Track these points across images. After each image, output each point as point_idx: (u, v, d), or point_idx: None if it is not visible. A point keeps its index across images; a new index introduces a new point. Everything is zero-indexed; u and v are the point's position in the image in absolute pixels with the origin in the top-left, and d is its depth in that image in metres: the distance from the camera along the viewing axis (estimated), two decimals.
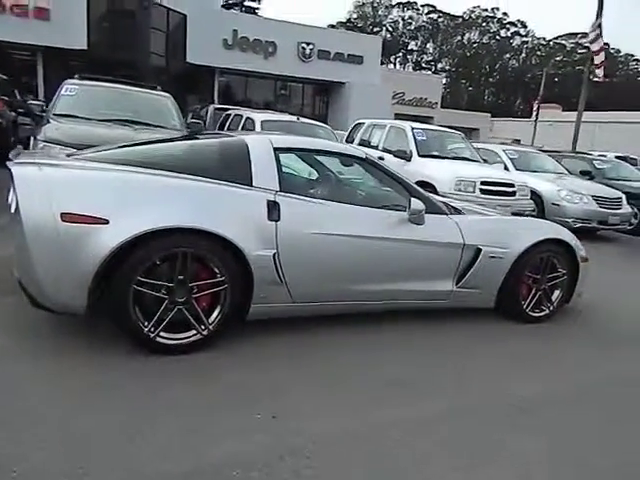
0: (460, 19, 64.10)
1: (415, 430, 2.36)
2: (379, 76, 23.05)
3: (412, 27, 63.90)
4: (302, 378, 2.74)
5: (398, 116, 21.97)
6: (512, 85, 64.08)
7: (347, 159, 3.57)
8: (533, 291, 3.90)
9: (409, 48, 64.60)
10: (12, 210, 2.67)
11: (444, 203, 3.89)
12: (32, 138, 6.65)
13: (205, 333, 2.85)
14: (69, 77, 6.68)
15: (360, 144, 8.70)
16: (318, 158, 3.78)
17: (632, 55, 67.90)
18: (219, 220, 2.80)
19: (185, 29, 18.98)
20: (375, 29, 60.60)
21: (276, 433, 2.23)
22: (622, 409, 2.81)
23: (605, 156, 16.10)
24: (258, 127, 7.51)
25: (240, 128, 8.04)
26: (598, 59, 15.09)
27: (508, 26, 64.92)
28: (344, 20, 61.72)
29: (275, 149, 3.19)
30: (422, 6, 63.24)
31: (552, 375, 3.12)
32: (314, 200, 3.18)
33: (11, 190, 2.78)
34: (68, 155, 3.38)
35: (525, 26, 64.89)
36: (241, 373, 2.71)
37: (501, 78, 64.61)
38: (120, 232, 2.57)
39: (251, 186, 3.02)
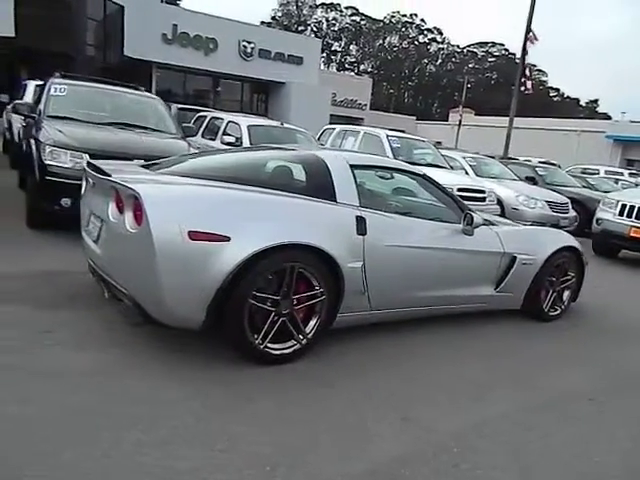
0: (381, 23, 66.13)
1: (523, 420, 2.68)
2: (318, 77, 23.43)
3: (336, 28, 65.00)
4: (398, 380, 2.98)
5: (330, 117, 22.48)
6: (430, 89, 67.20)
7: (408, 175, 3.84)
8: (550, 293, 4.39)
9: (333, 49, 65.64)
10: (113, 223, 2.69)
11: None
12: (24, 140, 6.30)
13: (304, 342, 3.00)
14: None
15: None
16: (379, 174, 4.01)
17: (535, 65, 73.56)
18: (321, 235, 2.96)
19: (122, 21, 18.19)
20: (300, 28, 60.99)
21: (415, 434, 2.45)
22: None
23: (530, 161, 17.53)
24: (244, 132, 7.54)
25: (221, 132, 8.00)
26: (527, 72, 16.42)
27: (426, 32, 67.94)
28: (269, 19, 61.44)
29: (351, 166, 3.39)
30: (346, 8, 64.57)
31: (592, 370, 3.58)
32: (388, 214, 3.42)
33: (110, 204, 2.79)
34: (145, 167, 3.37)
35: (441, 33, 68.25)
36: (348, 380, 2.90)
37: (420, 82, 67.51)
38: (242, 249, 2.66)
39: (336, 202, 3.20)
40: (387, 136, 8.59)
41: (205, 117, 8.89)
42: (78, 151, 4.94)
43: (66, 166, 4.92)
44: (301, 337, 2.99)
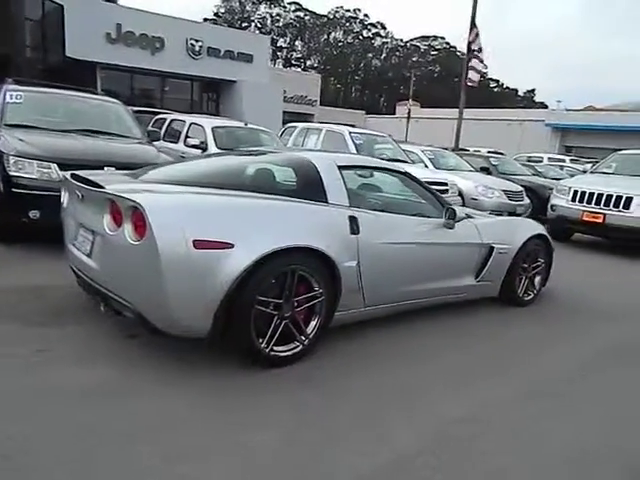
0: (325, 18, 66.39)
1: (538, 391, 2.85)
2: (268, 75, 23.31)
3: (280, 24, 64.75)
4: (405, 373, 3.09)
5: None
6: (376, 83, 68.13)
7: (391, 174, 3.95)
8: (523, 279, 4.62)
9: (278, 45, 65.36)
10: (110, 235, 2.66)
11: None
12: None
13: (306, 343, 3.06)
14: None
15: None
16: (360, 173, 4.09)
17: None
18: (318, 237, 3.02)
19: (63, 20, 17.47)
20: (244, 24, 60.39)
21: (427, 423, 2.56)
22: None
23: (479, 152, 18.13)
24: (209, 134, 7.46)
25: (184, 135, 7.88)
26: (478, 66, 16.94)
27: (369, 27, 68.76)
28: (212, 15, 60.41)
29: (338, 167, 3.45)
30: (289, 3, 64.38)
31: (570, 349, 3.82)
32: (376, 213, 3.52)
33: (105, 216, 2.75)
34: (130, 176, 3.32)
35: (384, 27, 69.29)
36: (353, 378, 2.98)
37: (366, 76, 68.33)
38: (247, 254, 2.68)
39: (327, 203, 3.26)
40: (350, 133, 8.70)
41: (164, 120, 8.70)
42: (45, 161, 4.78)
43: (33, 177, 4.75)
44: (303, 338, 3.05)
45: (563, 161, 21.27)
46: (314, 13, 65.51)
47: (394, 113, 52.78)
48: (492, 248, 4.21)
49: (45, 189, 4.76)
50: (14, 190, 4.73)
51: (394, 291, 3.60)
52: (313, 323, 3.10)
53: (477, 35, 16.65)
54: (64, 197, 3.56)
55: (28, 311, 3.44)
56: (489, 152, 17.75)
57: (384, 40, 69.82)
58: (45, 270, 4.29)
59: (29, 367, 2.73)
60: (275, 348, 2.92)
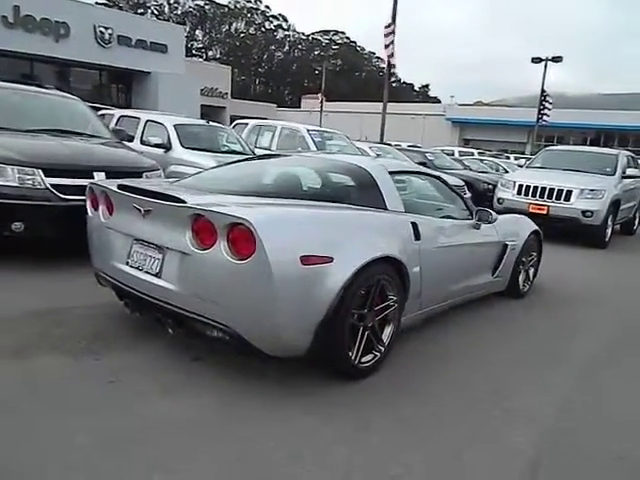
0: (226, 8, 64.91)
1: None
2: (184, 66, 22.39)
3: (179, 12, 62.21)
4: (480, 366, 3.20)
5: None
6: (280, 76, 68.02)
7: (427, 178, 4.01)
8: (523, 272, 4.94)
9: None
10: (198, 254, 2.48)
11: None
12: None
13: (383, 352, 3.05)
14: None
15: None
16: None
17: (374, 53, 78.43)
18: (395, 245, 3.02)
19: None
20: (139, 10, 57.18)
21: (518, 420, 2.69)
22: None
23: (400, 146, 18.79)
24: (172, 132, 7.04)
25: (141, 133, 7.36)
26: (393, 61, 17.54)
27: (271, 19, 68.33)
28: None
29: (389, 173, 3.46)
30: None
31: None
32: (426, 217, 3.57)
33: (186, 232, 2.54)
34: (177, 185, 3.08)
35: (286, 20, 69.22)
36: (437, 380, 3.03)
37: (270, 69, 67.93)
38: (346, 267, 2.62)
39: (387, 210, 3.27)
40: (308, 131, 8.66)
41: (111, 116, 8.04)
42: (27, 166, 4.26)
43: (13, 185, 4.22)
44: (380, 347, 3.04)
45: (471, 154, 22.61)
46: (214, 2, 63.72)
47: (299, 106, 53.12)
48: (506, 245, 4.45)
49: (29, 198, 4.26)
50: None
51: (441, 293, 3.70)
52: (388, 331, 3.09)
53: (393, 33, 17.21)
54: (92, 208, 3.23)
55: (61, 339, 3.08)
56: (409, 146, 18.47)
57: (286, 33, 69.84)
58: (39, 290, 3.87)
59: (118, 400, 2.46)
60: (361, 359, 2.89)
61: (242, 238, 2.40)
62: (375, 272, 2.84)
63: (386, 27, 17.55)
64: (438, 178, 4.05)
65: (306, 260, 2.49)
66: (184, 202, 2.58)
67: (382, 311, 3.01)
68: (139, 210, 2.78)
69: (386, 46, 17.96)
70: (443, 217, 3.88)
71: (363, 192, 3.30)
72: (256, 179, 3.44)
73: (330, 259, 2.59)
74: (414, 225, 3.28)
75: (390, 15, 17.32)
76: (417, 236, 3.27)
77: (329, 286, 2.57)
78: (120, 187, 2.94)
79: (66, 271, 4.32)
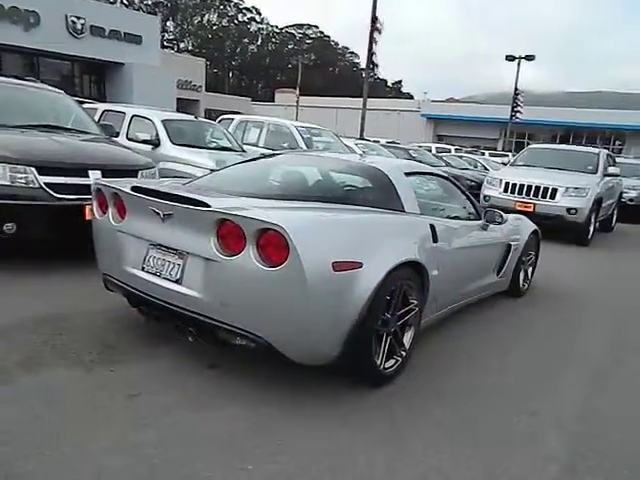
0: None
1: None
2: (159, 58, 21.89)
3: (149, 2, 60.74)
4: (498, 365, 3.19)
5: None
6: (253, 69, 67.30)
7: (439, 179, 3.98)
8: (522, 271, 4.98)
9: None
10: (224, 260, 2.39)
11: None
12: None
13: (404, 356, 3.01)
14: None
15: None
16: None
17: (347, 48, 78.44)
18: (416, 249, 2.98)
19: None
20: (109, 1, 55.58)
21: (542, 421, 2.69)
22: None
23: (379, 142, 18.81)
24: (160, 127, 6.84)
25: (126, 128, 7.13)
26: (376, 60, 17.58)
27: (244, 11, 67.50)
28: None
29: (405, 174, 3.41)
30: None
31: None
32: (441, 219, 3.53)
33: (211, 238, 2.45)
34: (196, 187, 2.97)
35: (260, 13, 68.49)
36: (457, 384, 3.01)
37: (243, 62, 67.15)
38: (375, 273, 2.57)
39: (405, 212, 3.22)
40: (296, 127, 8.56)
41: (94, 110, 7.74)
42: (19, 164, 4.06)
43: (5, 183, 4.01)
44: (402, 351, 2.99)
45: (449, 151, 22.80)
46: None
47: (273, 100, 52.69)
48: (510, 245, 4.47)
49: (21, 197, 4.06)
50: None
51: (455, 294, 3.69)
52: (408, 335, 3.05)
53: (378, 30, 17.24)
54: (98, 212, 3.08)
55: (68, 349, 2.93)
56: (388, 142, 18.52)
57: (260, 26, 69.12)
58: (37, 294, 3.71)
59: (147, 417, 2.35)
60: (385, 364, 2.84)
61: (273, 244, 2.31)
62: (400, 276, 2.79)
63: (370, 27, 17.58)
64: (447, 178, 4.03)
65: (338, 266, 2.41)
66: (208, 206, 2.47)
67: (404, 315, 2.97)
68: (158, 214, 2.65)
69: (369, 48, 18.01)
70: (454, 218, 3.86)
71: (381, 194, 3.24)
72: (273, 180, 3.35)
73: (360, 264, 2.52)
74: (432, 227, 3.24)
75: (369, 13, 17.35)
76: (435, 238, 3.24)
77: (359, 292, 2.51)
78: (134, 189, 2.81)
79: (64, 274, 4.15)
